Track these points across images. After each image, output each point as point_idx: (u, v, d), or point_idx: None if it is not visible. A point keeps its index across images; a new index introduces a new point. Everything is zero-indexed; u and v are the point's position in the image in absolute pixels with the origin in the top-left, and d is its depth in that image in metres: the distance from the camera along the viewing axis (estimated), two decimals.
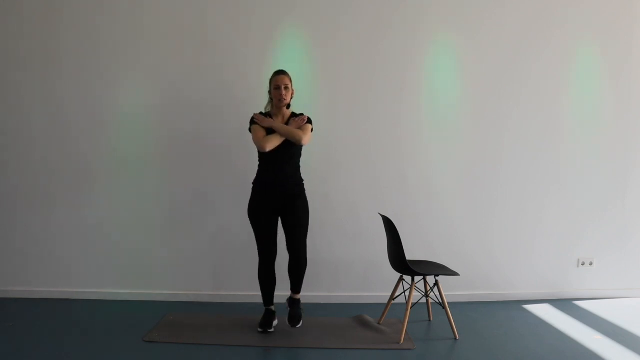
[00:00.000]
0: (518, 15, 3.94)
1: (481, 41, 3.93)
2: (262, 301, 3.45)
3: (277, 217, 3.34)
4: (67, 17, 3.81)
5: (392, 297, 3.49)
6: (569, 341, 3.29)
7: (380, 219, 3.45)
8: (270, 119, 3.26)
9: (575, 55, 3.99)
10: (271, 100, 3.32)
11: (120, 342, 3.15)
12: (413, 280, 3.32)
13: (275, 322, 3.44)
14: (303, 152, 3.35)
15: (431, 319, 3.62)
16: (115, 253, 3.93)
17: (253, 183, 3.35)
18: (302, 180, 3.38)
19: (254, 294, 3.68)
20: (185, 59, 3.85)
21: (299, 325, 3.33)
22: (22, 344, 3.11)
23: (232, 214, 3.87)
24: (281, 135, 3.19)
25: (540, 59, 3.96)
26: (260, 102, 3.48)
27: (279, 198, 3.28)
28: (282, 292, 3.49)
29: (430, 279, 3.49)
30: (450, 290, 3.89)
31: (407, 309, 3.25)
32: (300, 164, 3.37)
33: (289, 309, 3.41)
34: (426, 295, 3.46)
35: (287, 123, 3.28)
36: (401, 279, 3.47)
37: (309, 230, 3.35)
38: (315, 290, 3.91)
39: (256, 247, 3.36)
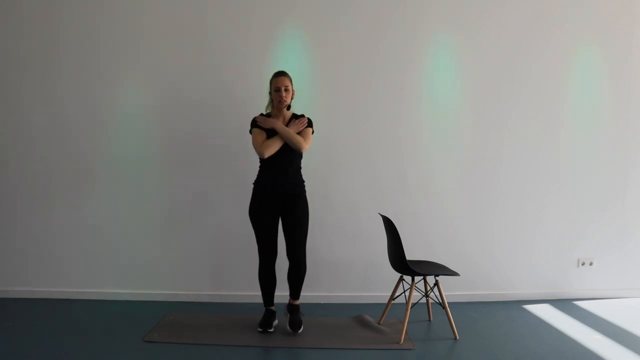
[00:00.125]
0: (518, 15, 3.94)
1: (481, 41, 3.93)
2: (262, 301, 3.45)
3: (277, 218, 3.34)
4: (67, 17, 3.81)
5: (392, 297, 3.49)
6: (569, 341, 3.29)
7: (380, 219, 3.45)
8: (273, 120, 3.25)
9: (575, 55, 3.99)
10: (272, 101, 3.32)
11: (120, 342, 3.15)
12: (413, 280, 3.32)
13: (276, 322, 3.44)
14: (304, 152, 3.35)
15: (431, 319, 3.62)
16: (115, 253, 3.93)
17: (254, 184, 3.35)
18: (303, 182, 3.38)
19: (254, 294, 3.68)
20: (185, 59, 3.85)
21: (300, 330, 3.32)
22: (22, 344, 3.11)
23: (232, 214, 3.87)
24: (282, 137, 3.18)
25: (540, 59, 3.96)
26: (260, 102, 3.48)
27: (279, 199, 3.28)
28: (283, 292, 3.49)
29: (430, 279, 3.49)
30: (450, 290, 3.89)
31: (407, 309, 3.25)
32: (301, 164, 3.37)
33: (288, 315, 3.40)
34: (426, 295, 3.46)
35: (287, 124, 3.27)
36: (401, 279, 3.47)
37: (309, 231, 3.35)
38: (315, 290, 3.91)
39: (256, 247, 3.36)
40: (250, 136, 3.31)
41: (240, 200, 3.62)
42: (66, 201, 3.91)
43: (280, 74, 3.27)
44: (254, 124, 3.29)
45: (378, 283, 3.93)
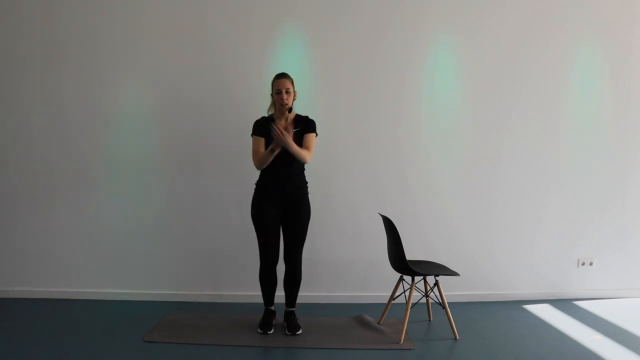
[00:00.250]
0: (518, 15, 3.94)
1: (481, 41, 3.93)
2: (262, 301, 3.45)
3: (279, 219, 3.32)
4: (67, 17, 3.81)
5: (392, 297, 3.49)
6: (569, 341, 3.29)
7: (380, 219, 3.45)
8: (285, 139, 3.07)
9: (575, 55, 3.99)
10: (274, 102, 3.30)
11: (120, 342, 3.15)
12: (413, 280, 3.32)
13: (275, 320, 3.44)
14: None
15: (431, 319, 3.62)
16: (115, 253, 3.93)
17: (256, 184, 3.34)
18: (306, 183, 3.36)
19: (254, 294, 3.68)
20: (185, 59, 3.85)
21: (298, 332, 3.32)
22: (22, 344, 3.11)
23: (233, 214, 3.87)
24: (290, 152, 3.14)
25: (540, 59, 3.96)
26: (261, 102, 3.48)
27: (282, 200, 3.27)
28: (283, 291, 3.48)
29: (430, 279, 3.48)
30: (450, 290, 3.88)
31: (407, 309, 3.25)
32: (304, 165, 3.34)
33: (285, 323, 3.39)
34: (426, 295, 3.46)
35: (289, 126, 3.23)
36: (401, 279, 3.47)
37: (309, 231, 3.35)
38: (315, 290, 3.91)
39: (256, 247, 3.36)
40: (250, 136, 3.31)
41: (241, 200, 3.62)
42: (66, 201, 3.91)
43: (281, 76, 3.25)
44: (255, 129, 3.27)
45: (378, 283, 3.93)
